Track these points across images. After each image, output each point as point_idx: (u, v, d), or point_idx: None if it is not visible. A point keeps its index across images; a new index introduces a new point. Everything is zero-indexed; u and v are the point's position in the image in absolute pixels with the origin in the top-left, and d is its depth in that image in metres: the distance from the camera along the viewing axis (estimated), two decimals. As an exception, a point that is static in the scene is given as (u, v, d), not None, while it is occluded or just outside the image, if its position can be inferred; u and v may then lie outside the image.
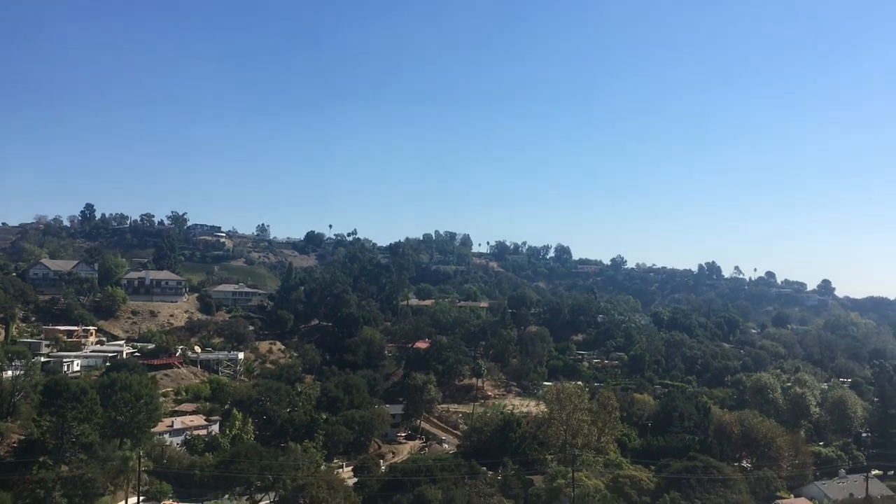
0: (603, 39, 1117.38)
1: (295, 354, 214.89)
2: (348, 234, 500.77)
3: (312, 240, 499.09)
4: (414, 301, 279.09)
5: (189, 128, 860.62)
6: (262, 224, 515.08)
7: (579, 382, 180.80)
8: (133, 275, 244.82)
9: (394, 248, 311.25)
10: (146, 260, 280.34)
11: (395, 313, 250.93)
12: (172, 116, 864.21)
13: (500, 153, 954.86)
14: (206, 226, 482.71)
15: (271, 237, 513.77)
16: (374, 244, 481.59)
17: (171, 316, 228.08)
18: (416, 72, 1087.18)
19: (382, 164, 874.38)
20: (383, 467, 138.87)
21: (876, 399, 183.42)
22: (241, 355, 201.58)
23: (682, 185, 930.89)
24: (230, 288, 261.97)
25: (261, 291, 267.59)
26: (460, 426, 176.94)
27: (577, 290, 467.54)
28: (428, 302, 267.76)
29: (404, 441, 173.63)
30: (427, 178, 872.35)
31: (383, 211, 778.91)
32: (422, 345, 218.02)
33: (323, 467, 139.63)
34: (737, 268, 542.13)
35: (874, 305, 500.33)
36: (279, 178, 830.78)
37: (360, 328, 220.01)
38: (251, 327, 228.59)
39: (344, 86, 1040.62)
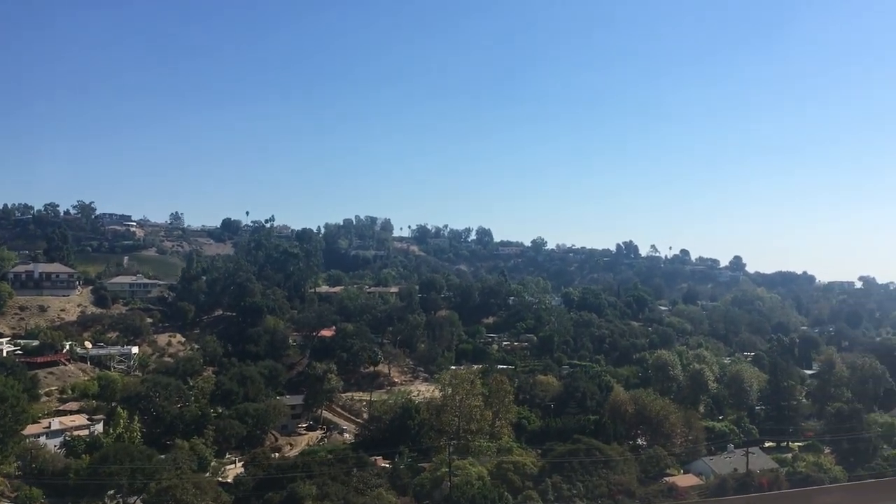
0: (514, 25, 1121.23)
1: (196, 347, 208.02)
2: (266, 221, 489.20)
3: (229, 227, 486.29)
4: (325, 288, 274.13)
5: (96, 111, 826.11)
6: (176, 212, 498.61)
7: (473, 366, 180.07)
8: (21, 268, 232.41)
9: (302, 235, 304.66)
10: (38, 252, 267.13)
11: (302, 301, 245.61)
12: (78, 101, 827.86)
13: (418, 134, 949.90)
14: (116, 215, 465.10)
15: (185, 225, 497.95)
16: (294, 230, 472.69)
17: (63, 310, 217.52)
18: (332, 50, 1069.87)
19: (299, 148, 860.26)
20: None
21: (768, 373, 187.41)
22: (135, 349, 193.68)
23: (598, 166, 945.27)
24: (127, 279, 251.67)
25: (161, 282, 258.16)
26: (364, 414, 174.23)
27: (498, 271, 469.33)
28: (338, 289, 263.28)
29: (305, 432, 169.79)
30: (346, 162, 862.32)
31: (302, 196, 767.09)
32: (327, 333, 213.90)
33: (213, 463, 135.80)
34: (653, 246, 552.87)
35: (783, 280, 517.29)
36: (193, 163, 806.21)
37: (263, 318, 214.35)
38: (149, 320, 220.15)
39: (257, 68, 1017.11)
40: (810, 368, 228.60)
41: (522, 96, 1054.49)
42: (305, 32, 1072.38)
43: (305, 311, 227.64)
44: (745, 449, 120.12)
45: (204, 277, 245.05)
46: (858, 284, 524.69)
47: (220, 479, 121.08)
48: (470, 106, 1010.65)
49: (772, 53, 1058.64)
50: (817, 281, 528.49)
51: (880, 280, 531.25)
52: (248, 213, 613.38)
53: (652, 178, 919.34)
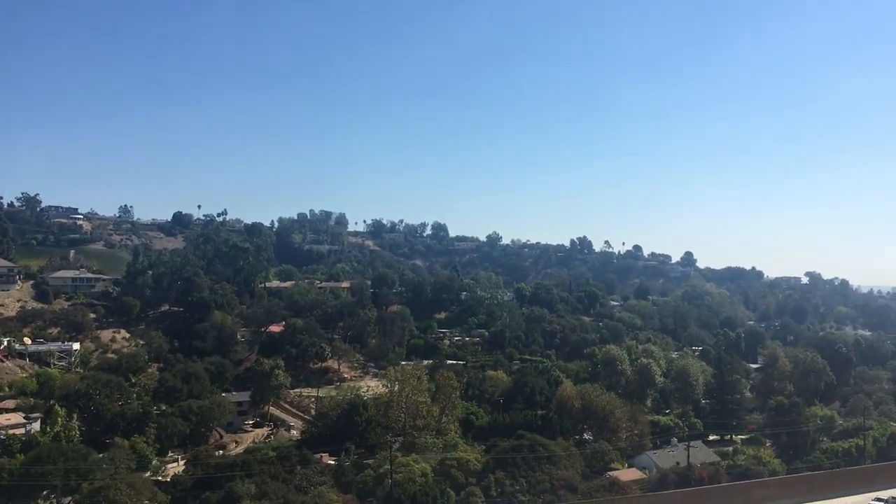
0: (475, 25, 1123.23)
1: (141, 343, 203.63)
2: (218, 215, 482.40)
3: (180, 221, 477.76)
4: (276, 283, 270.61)
5: (42, 103, 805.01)
6: (125, 205, 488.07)
7: (424, 362, 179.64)
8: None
9: (252, 230, 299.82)
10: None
11: (252, 297, 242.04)
12: (23, 92, 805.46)
13: (375, 130, 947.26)
14: (62, 207, 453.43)
15: (135, 219, 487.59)
16: (261, 224, 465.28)
17: (2, 305, 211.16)
18: (289, 43, 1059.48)
19: (254, 141, 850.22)
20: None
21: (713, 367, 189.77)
22: (76, 346, 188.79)
23: (553, 163, 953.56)
24: (70, 274, 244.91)
25: (105, 277, 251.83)
26: (312, 411, 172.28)
27: (453, 267, 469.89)
28: (289, 284, 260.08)
29: (251, 429, 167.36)
30: (302, 157, 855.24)
31: (256, 191, 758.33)
32: (276, 328, 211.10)
33: (155, 462, 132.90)
34: (607, 242, 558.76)
35: (732, 275, 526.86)
36: (144, 156, 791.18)
37: (211, 313, 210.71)
38: (93, 315, 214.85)
39: (210, 60, 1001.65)
40: (756, 362, 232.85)
41: (479, 94, 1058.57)
42: (261, 25, 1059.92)
43: (254, 307, 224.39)
44: (686, 443, 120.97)
45: (150, 272, 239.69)
46: (805, 280, 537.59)
47: (160, 477, 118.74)
48: (427, 103, 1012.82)
49: (722, 56, 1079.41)
50: (765, 276, 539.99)
51: (826, 275, 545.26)
52: (199, 206, 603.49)
53: (607, 175, 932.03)
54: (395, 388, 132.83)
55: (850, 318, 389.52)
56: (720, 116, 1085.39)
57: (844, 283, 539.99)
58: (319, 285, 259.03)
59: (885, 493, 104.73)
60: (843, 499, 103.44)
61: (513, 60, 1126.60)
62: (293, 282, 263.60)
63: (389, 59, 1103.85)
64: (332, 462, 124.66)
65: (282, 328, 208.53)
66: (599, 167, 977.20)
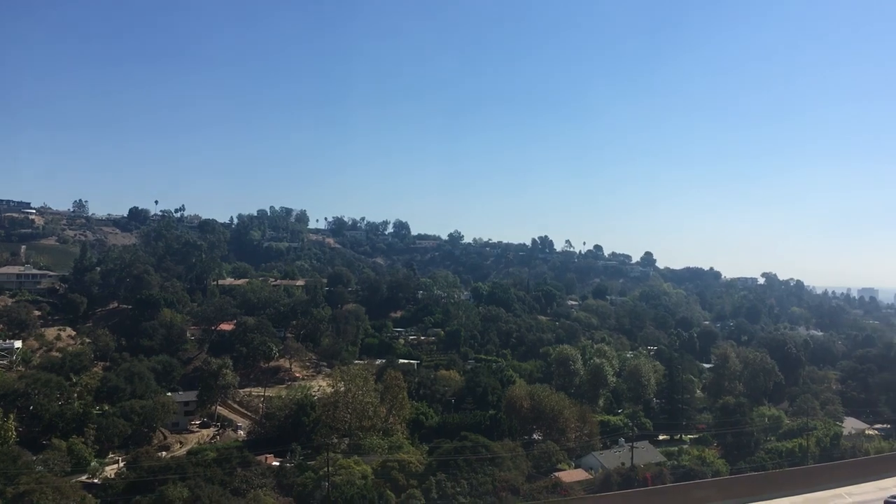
0: (434, 22, 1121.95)
1: (87, 341, 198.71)
2: (176, 211, 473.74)
3: (136, 216, 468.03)
4: (230, 281, 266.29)
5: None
6: (80, 200, 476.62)
7: (377, 361, 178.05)
8: None
9: (205, 226, 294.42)
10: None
11: (205, 294, 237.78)
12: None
13: (336, 127, 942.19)
14: (13, 202, 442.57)
15: (90, 214, 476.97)
16: (215, 221, 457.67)
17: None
18: (249, 37, 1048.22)
19: (213, 137, 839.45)
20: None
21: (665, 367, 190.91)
22: (18, 344, 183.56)
23: (515, 163, 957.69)
24: (15, 270, 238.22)
25: (51, 273, 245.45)
26: (261, 411, 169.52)
27: (415, 265, 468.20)
28: (243, 281, 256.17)
29: (197, 429, 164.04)
30: (262, 153, 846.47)
31: (216, 187, 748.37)
32: (227, 327, 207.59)
33: (93, 464, 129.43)
34: (568, 241, 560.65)
35: (691, 275, 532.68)
36: (99, 149, 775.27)
37: (160, 311, 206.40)
38: (37, 313, 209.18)
39: (168, 52, 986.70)
40: (710, 362, 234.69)
41: (442, 93, 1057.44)
42: (220, 16, 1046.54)
43: (205, 305, 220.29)
44: (631, 444, 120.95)
45: (98, 268, 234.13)
46: (761, 281, 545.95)
47: (96, 480, 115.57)
48: (388, 101, 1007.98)
49: (684, 63, 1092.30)
50: (723, 277, 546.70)
51: (782, 276, 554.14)
52: (157, 202, 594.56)
53: (569, 175, 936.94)
54: (341, 389, 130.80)
55: (804, 319, 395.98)
56: (682, 120, 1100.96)
57: (799, 284, 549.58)
58: (274, 283, 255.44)
59: (821, 495, 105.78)
60: (779, 500, 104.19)
61: (478, 58, 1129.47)
62: (247, 279, 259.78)
63: (352, 55, 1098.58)
64: (277, 463, 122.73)
65: (233, 326, 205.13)
66: (562, 167, 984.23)
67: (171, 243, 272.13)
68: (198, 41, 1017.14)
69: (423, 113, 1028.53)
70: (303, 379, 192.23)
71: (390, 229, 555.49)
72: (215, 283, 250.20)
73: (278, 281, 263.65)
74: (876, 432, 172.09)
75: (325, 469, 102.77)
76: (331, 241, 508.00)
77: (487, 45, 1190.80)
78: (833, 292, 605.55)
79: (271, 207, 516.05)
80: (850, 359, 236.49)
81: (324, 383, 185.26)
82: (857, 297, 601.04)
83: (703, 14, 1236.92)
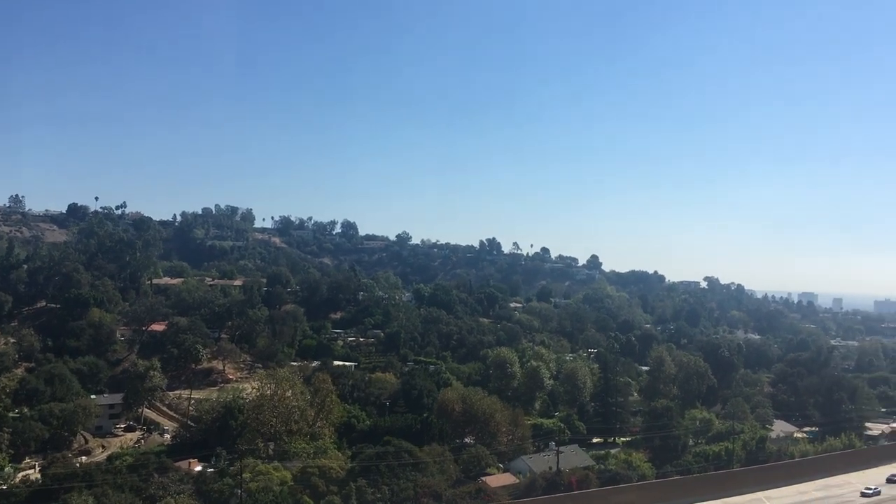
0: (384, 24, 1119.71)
1: (11, 341, 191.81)
2: (117, 207, 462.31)
3: (75, 213, 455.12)
4: (166, 280, 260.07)
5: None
6: (16, 195, 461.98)
7: (314, 362, 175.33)
8: None
9: (140, 224, 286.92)
10: None
11: (138, 294, 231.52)
12: None
13: (284, 125, 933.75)
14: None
15: (26, 209, 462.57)
16: (150, 218, 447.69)
17: None
18: (195, 34, 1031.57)
19: (158, 132, 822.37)
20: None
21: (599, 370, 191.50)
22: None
23: (464, 164, 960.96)
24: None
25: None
26: (189, 414, 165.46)
27: (362, 265, 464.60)
28: (178, 281, 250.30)
29: (122, 433, 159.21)
30: (208, 150, 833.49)
31: (160, 184, 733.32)
32: (159, 327, 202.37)
33: (7, 469, 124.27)
34: (515, 244, 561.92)
35: (636, 279, 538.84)
36: (38, 143, 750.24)
37: (89, 310, 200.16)
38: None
39: (111, 43, 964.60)
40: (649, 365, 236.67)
41: (388, 94, 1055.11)
42: (166, 10, 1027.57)
43: (137, 304, 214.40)
44: (556, 447, 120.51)
45: (26, 266, 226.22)
46: (704, 285, 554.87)
47: (3, 486, 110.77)
48: (337, 100, 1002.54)
49: (630, 67, 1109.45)
50: (667, 280, 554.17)
51: (724, 280, 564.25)
52: (97, 198, 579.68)
53: (518, 178, 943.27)
54: (267, 392, 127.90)
55: (743, 322, 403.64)
56: (629, 126, 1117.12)
57: (740, 288, 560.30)
58: (210, 283, 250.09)
59: (740, 499, 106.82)
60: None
61: (427, 60, 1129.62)
62: (183, 279, 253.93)
63: (300, 55, 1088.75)
64: (199, 469, 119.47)
65: (165, 327, 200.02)
66: (511, 170, 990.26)
67: (104, 241, 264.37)
68: (143, 33, 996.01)
69: (371, 114, 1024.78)
70: (236, 381, 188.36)
71: (338, 229, 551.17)
72: (149, 282, 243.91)
73: (215, 281, 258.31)
74: (804, 435, 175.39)
75: (246, 474, 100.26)
76: (277, 240, 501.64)
77: (436, 47, 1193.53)
78: (773, 297, 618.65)
79: (216, 206, 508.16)
80: (783, 362, 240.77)
81: (257, 385, 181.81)
82: (796, 302, 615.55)
83: (642, 15, 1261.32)
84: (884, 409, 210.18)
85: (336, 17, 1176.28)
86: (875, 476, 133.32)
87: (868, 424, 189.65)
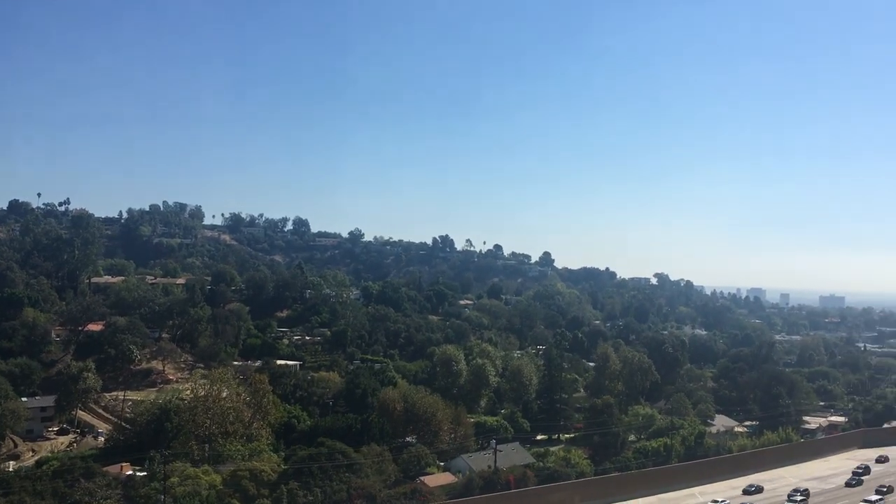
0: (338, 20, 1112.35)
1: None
2: (60, 204, 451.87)
3: (16, 209, 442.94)
4: (106, 278, 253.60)
5: None
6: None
7: (258, 362, 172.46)
8: None
9: (78, 221, 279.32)
10: None
11: (76, 293, 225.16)
12: None
13: (236, 121, 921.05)
14: None
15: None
16: (91, 215, 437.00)
17: None
18: (145, 31, 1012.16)
19: (105, 127, 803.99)
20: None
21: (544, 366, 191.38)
22: None
23: (417, 162, 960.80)
24: None
25: None
26: (123, 416, 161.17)
27: (314, 263, 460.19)
28: (119, 279, 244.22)
29: (54, 436, 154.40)
30: (157, 146, 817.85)
31: (106, 179, 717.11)
32: (96, 327, 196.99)
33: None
34: (468, 241, 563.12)
35: (587, 275, 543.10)
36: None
37: (22, 310, 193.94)
38: None
39: (54, 36, 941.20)
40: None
41: (339, 91, 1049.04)
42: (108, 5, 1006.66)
43: (73, 304, 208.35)
44: (494, 445, 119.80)
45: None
46: (654, 281, 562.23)
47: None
48: (289, 98, 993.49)
49: (586, 61, 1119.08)
50: (618, 277, 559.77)
51: (673, 277, 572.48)
52: (39, 194, 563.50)
53: (471, 175, 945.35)
54: (201, 393, 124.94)
55: (691, 318, 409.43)
56: (582, 124, 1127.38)
57: (689, 284, 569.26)
58: (152, 281, 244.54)
59: (675, 494, 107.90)
60: (636, 500, 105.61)
61: (378, 58, 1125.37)
62: (123, 277, 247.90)
63: (251, 51, 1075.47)
64: (131, 473, 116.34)
65: (102, 327, 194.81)
66: (465, 167, 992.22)
67: (40, 238, 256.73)
68: (90, 29, 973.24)
69: (323, 112, 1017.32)
70: (177, 381, 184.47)
71: (290, 226, 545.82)
72: (88, 281, 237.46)
73: (157, 279, 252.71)
74: (744, 430, 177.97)
75: (174, 479, 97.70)
76: (227, 237, 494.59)
77: (388, 45, 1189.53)
78: (722, 292, 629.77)
79: (164, 202, 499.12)
80: (726, 357, 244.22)
81: (190, 387, 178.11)
82: (744, 298, 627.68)
83: (597, 13, 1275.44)
84: (822, 403, 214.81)
85: (289, 16, 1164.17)
86: (808, 470, 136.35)
87: (806, 418, 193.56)
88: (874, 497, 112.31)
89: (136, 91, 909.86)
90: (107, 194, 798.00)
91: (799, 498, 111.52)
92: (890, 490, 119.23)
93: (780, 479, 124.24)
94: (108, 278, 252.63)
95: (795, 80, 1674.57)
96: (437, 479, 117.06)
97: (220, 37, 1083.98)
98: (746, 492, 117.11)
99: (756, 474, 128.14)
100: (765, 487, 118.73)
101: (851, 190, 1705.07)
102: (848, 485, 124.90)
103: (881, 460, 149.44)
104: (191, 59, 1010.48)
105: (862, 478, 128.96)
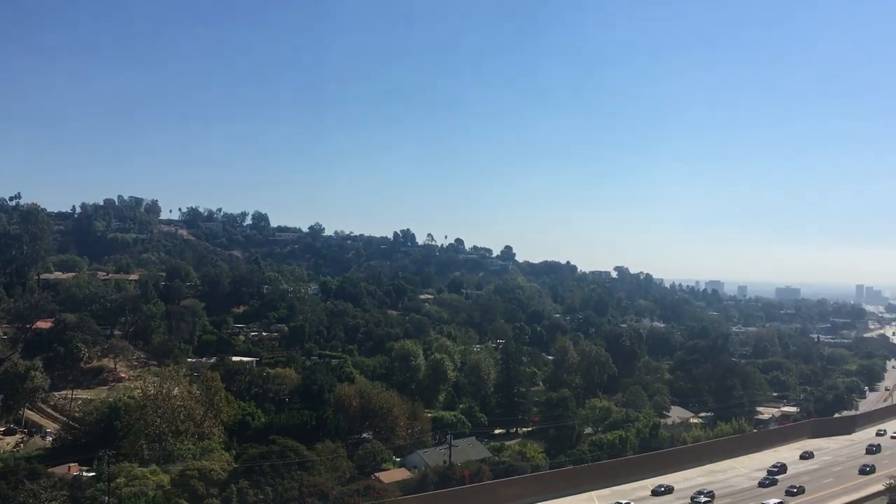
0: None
1: None
2: (10, 199, 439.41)
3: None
4: (57, 274, 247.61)
5: None
6: None
7: (212, 359, 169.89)
8: None
9: (26, 215, 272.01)
10: None
11: (25, 289, 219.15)
12: None
13: (192, 116, 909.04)
14: None
15: None
16: (41, 209, 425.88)
17: None
18: (101, 27, 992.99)
19: (55, 120, 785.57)
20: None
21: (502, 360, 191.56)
22: None
23: (378, 154, 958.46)
24: None
25: None
26: (75, 415, 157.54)
27: (274, 258, 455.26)
28: (70, 275, 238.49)
29: (0, 437, 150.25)
30: (112, 138, 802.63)
31: (61, 174, 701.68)
32: (44, 325, 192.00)
33: None
34: (430, 235, 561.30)
35: (548, 269, 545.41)
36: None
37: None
38: None
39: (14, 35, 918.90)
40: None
41: (298, 85, 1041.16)
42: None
43: (20, 301, 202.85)
44: (449, 440, 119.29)
45: None
46: (614, 274, 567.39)
47: None
48: (247, 92, 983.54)
49: (540, 58, 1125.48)
50: (579, 271, 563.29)
51: (633, 270, 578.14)
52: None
53: (432, 169, 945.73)
54: (150, 391, 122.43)
55: (650, 311, 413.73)
56: (542, 121, 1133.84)
57: (648, 277, 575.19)
58: (104, 277, 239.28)
59: (627, 487, 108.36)
60: (588, 493, 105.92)
61: (335, 51, 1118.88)
62: (74, 273, 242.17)
63: (208, 45, 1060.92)
64: (77, 473, 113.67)
65: (52, 324, 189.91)
66: (425, 161, 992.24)
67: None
68: (43, 24, 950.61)
69: (282, 106, 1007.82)
70: (129, 380, 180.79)
71: (249, 221, 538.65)
72: (37, 277, 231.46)
73: (110, 275, 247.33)
74: (699, 421, 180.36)
75: (120, 479, 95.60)
76: (184, 232, 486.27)
77: (344, 38, 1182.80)
78: (681, 285, 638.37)
79: (119, 197, 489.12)
80: (682, 349, 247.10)
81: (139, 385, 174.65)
82: (702, 290, 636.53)
83: (553, 7, 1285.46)
84: (775, 394, 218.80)
85: (243, 10, 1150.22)
86: (760, 459, 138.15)
87: (760, 409, 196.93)
88: (773, 501, 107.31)
89: (91, 85, 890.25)
90: (61, 189, 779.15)
91: (703, 500, 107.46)
92: (801, 490, 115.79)
93: (732, 470, 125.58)
94: (58, 274, 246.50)
95: (753, 80, 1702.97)
96: (392, 474, 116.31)
97: (176, 32, 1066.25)
98: (655, 493, 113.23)
99: (710, 464, 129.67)
100: (675, 488, 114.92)
101: (804, 185, 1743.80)
102: (761, 484, 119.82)
103: (805, 456, 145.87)
104: (147, 55, 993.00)
105: (777, 477, 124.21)
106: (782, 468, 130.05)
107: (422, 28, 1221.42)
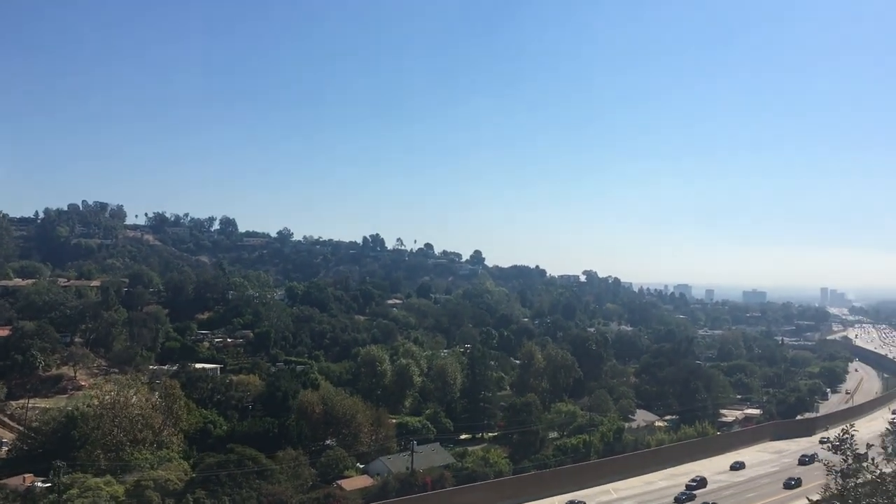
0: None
1: None
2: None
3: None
4: (16, 281, 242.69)
5: None
6: None
7: (174, 366, 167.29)
8: None
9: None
10: None
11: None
12: None
13: (158, 118, 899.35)
14: None
15: None
16: (6, 215, 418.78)
17: None
18: (72, 24, 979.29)
19: (17, 123, 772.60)
20: None
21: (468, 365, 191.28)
22: None
23: (347, 160, 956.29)
24: None
25: None
26: (31, 425, 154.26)
27: (242, 263, 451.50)
28: (29, 282, 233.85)
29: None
30: (76, 144, 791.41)
31: (24, 180, 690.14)
32: (2, 332, 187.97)
33: None
34: (399, 240, 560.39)
35: (518, 273, 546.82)
36: None
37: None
38: None
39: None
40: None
41: (267, 91, 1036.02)
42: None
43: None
44: (412, 448, 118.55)
45: None
46: (583, 278, 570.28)
47: None
48: (214, 96, 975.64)
49: (510, 61, 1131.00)
50: (548, 275, 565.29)
51: (602, 274, 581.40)
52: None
53: (400, 173, 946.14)
54: (107, 400, 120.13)
55: (617, 315, 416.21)
56: (510, 127, 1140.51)
57: (617, 281, 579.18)
58: (65, 283, 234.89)
59: (590, 491, 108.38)
60: (551, 499, 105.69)
61: (308, 58, 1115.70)
62: (34, 280, 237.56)
63: (176, 49, 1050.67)
64: (31, 484, 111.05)
65: (9, 332, 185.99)
66: (395, 166, 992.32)
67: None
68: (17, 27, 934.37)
69: (252, 112, 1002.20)
70: (89, 388, 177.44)
71: (216, 226, 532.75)
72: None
73: (71, 281, 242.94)
74: (664, 424, 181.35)
75: (72, 490, 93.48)
76: (150, 237, 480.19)
77: (317, 46, 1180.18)
78: (649, 289, 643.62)
79: (84, 202, 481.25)
80: (648, 353, 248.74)
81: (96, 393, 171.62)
82: (670, 294, 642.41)
83: (519, 16, 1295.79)
84: (739, 396, 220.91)
85: (216, 15, 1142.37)
86: (720, 463, 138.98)
87: (723, 411, 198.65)
88: None
89: (55, 87, 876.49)
90: (24, 194, 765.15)
91: None
92: None
93: (693, 473, 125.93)
94: (18, 281, 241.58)
95: (713, 80, 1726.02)
96: (354, 482, 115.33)
97: (137, 34, 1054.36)
98: None
99: (672, 468, 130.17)
100: (685, 481, 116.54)
101: (771, 187, 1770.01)
102: (678, 500, 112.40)
103: (735, 467, 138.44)
104: (110, 56, 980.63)
105: (695, 492, 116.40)
106: (702, 482, 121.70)
107: (386, 36, 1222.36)
